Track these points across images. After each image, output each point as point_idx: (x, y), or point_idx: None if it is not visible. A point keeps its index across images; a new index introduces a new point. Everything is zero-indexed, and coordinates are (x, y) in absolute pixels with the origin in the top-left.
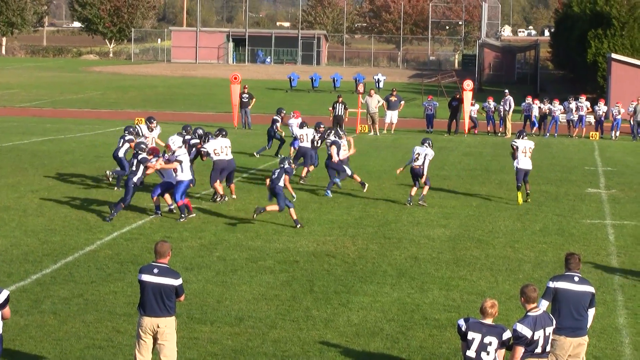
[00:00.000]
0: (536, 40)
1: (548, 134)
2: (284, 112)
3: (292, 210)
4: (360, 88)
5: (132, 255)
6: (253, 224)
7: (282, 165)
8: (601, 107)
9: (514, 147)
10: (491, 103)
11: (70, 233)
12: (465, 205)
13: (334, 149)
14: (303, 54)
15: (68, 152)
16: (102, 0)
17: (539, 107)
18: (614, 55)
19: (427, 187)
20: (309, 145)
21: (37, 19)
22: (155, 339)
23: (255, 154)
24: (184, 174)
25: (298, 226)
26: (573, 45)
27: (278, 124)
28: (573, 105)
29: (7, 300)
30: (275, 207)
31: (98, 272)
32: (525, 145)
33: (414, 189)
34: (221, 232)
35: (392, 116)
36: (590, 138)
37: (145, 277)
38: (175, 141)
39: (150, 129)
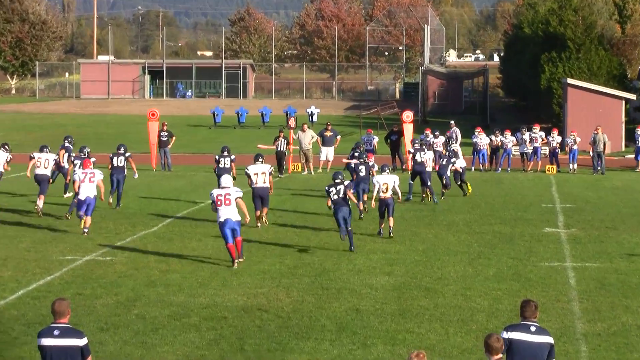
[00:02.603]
0: (484, 65)
1: (500, 169)
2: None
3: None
4: (292, 122)
5: (39, 316)
6: (175, 277)
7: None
8: (555, 138)
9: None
10: (429, 136)
11: None
12: (410, 250)
13: None
14: (227, 86)
15: None
16: (2, 31)
17: (490, 140)
18: (570, 80)
19: (392, 220)
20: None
21: None
22: None
23: None
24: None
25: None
26: (525, 70)
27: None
28: (527, 136)
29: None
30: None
31: (2, 336)
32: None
33: (383, 221)
34: (140, 286)
35: (327, 153)
36: (547, 172)
37: (46, 342)
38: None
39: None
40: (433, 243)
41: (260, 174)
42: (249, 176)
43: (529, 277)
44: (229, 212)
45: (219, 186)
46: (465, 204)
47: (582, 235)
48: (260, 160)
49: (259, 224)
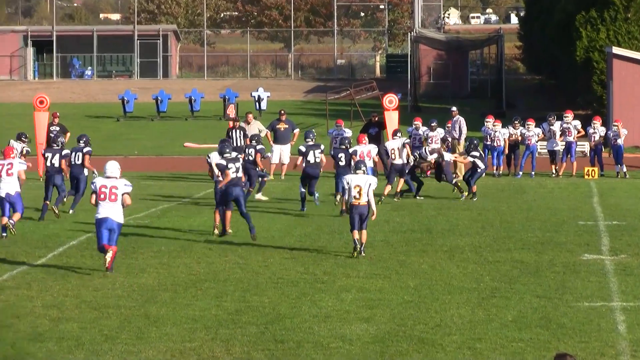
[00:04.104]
0: (498, 30)
1: (521, 173)
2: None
3: None
4: (231, 111)
5: None
6: (70, 327)
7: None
8: (597, 129)
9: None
10: (421, 128)
11: None
12: (398, 287)
13: None
14: (142, 61)
15: None
16: None
17: (509, 133)
18: (616, 50)
19: (365, 233)
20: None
21: None
22: None
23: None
24: None
25: None
26: (554, 36)
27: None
28: (557, 127)
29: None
30: None
31: None
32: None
33: (356, 233)
34: (22, 342)
35: (282, 153)
36: (586, 176)
37: None
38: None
39: None
40: (429, 277)
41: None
42: (211, 166)
43: (561, 323)
44: (111, 210)
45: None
46: (473, 221)
47: (634, 264)
48: (228, 150)
49: (230, 230)
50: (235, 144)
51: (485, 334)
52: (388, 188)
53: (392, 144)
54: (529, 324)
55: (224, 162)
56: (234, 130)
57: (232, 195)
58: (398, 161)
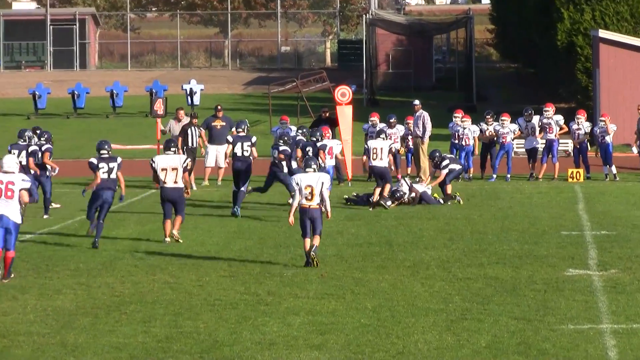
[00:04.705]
0: (467, 11)
1: (495, 176)
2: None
3: None
4: (159, 107)
5: None
6: None
7: None
8: (582, 125)
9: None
10: (378, 125)
11: None
12: (353, 309)
13: None
14: (56, 50)
15: None
16: None
17: (480, 130)
18: (603, 33)
19: (318, 238)
20: None
21: None
22: None
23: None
24: None
25: None
26: (532, 18)
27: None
28: (535, 122)
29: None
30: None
31: None
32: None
33: (308, 241)
34: None
35: (218, 154)
36: (570, 179)
37: None
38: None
39: None
40: (389, 297)
41: (171, 170)
42: (155, 172)
43: (543, 349)
44: (6, 207)
45: None
46: (440, 232)
47: (626, 279)
48: (173, 149)
49: (167, 239)
50: (191, 144)
51: None
52: (387, 188)
53: (376, 143)
54: (506, 351)
55: (95, 161)
56: (191, 128)
57: (101, 199)
58: (379, 163)
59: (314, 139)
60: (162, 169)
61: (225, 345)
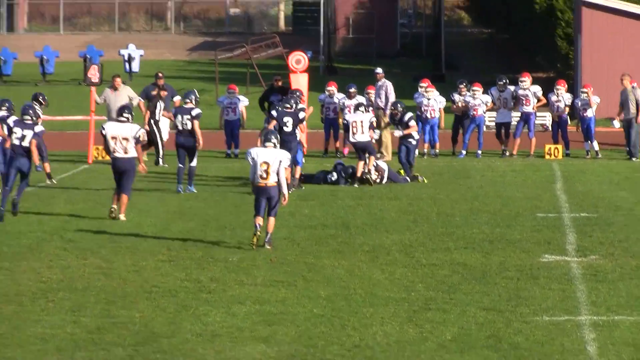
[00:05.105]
0: None
1: (464, 152)
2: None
3: None
4: (94, 75)
5: None
6: None
7: None
8: (562, 97)
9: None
10: (336, 95)
11: None
12: (305, 297)
13: None
14: None
15: None
16: None
17: (452, 101)
18: None
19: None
20: None
21: None
22: None
23: None
24: None
25: None
26: None
27: None
28: (508, 93)
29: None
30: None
31: None
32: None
33: (259, 219)
34: None
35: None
36: (547, 156)
37: None
38: None
39: None
40: (345, 284)
41: (122, 138)
42: (105, 140)
43: (515, 343)
44: None
45: None
46: (402, 213)
47: (607, 267)
48: (126, 116)
49: (112, 214)
50: (156, 117)
51: (417, 356)
52: (372, 161)
53: (355, 117)
54: (474, 344)
55: (11, 123)
56: (159, 101)
57: (15, 165)
58: (361, 137)
59: (288, 107)
60: (112, 137)
61: (163, 336)
